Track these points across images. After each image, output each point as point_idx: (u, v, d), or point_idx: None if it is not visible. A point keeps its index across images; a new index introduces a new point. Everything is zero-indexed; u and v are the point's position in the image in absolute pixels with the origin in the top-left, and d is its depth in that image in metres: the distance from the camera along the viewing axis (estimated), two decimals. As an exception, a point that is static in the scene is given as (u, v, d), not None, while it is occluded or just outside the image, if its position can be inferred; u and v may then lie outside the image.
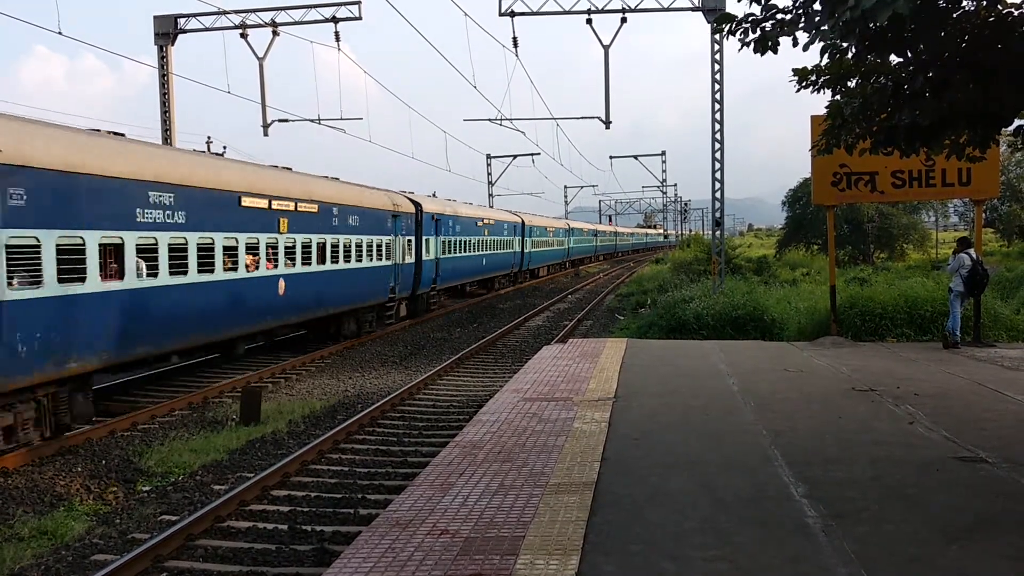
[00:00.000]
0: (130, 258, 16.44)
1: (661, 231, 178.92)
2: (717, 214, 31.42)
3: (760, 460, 10.45)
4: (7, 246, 13.48)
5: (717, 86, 30.38)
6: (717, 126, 30.51)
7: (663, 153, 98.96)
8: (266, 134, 36.16)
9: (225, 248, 19.71)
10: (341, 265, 26.71)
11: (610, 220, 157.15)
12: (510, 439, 11.72)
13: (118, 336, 16.09)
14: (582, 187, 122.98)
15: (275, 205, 22.18)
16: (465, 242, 42.34)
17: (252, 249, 21.08)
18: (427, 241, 35.54)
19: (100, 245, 15.62)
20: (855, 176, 22.25)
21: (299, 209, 23.53)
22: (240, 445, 15.55)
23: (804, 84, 10.55)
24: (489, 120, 47.86)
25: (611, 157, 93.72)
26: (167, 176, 17.68)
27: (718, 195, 30.92)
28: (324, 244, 25.44)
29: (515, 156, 79.58)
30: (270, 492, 12.74)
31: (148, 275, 17.04)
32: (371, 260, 29.33)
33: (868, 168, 22.00)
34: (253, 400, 17.12)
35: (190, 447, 15.44)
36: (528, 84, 41.19)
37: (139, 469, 14.19)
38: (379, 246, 30.09)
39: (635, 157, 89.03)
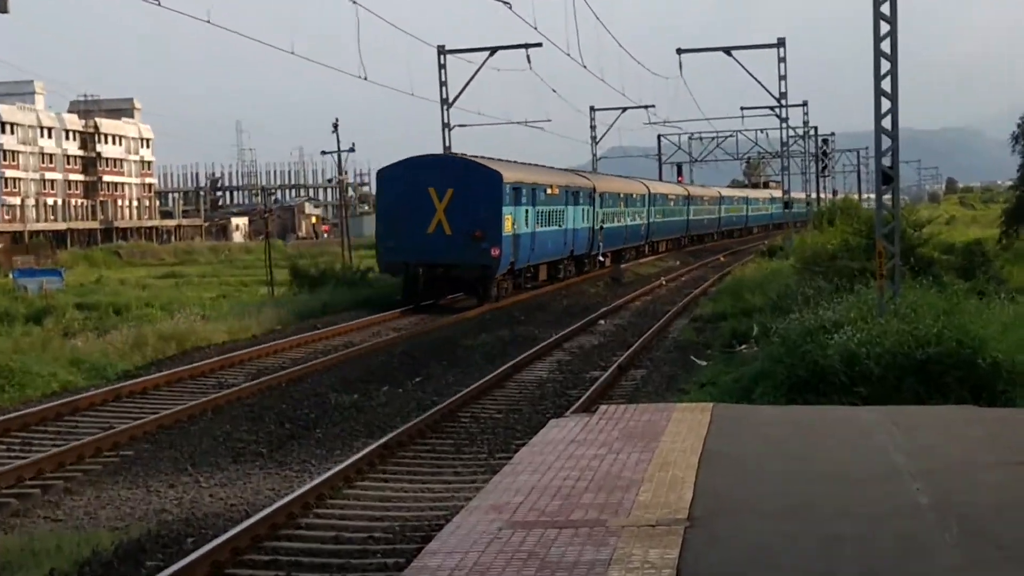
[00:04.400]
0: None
1: (775, 193, 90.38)
2: (885, 160, 17.92)
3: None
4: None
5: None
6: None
7: (780, 44, 51.41)
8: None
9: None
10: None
11: (678, 173, 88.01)
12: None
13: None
14: (624, 110, 64.25)
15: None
16: None
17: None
18: None
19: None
20: None
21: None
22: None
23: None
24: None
25: (679, 52, 49.03)
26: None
27: (887, 124, 17.76)
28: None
29: (494, 49, 43.59)
30: None
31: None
32: None
33: None
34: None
35: None
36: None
37: None
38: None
39: (726, 51, 49.00)
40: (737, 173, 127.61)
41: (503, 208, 33.12)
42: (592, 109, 65.34)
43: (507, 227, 33.27)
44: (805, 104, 68.88)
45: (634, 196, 55.40)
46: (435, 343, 25.27)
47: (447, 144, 43.87)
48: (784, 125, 58.14)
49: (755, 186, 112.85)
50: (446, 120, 43.99)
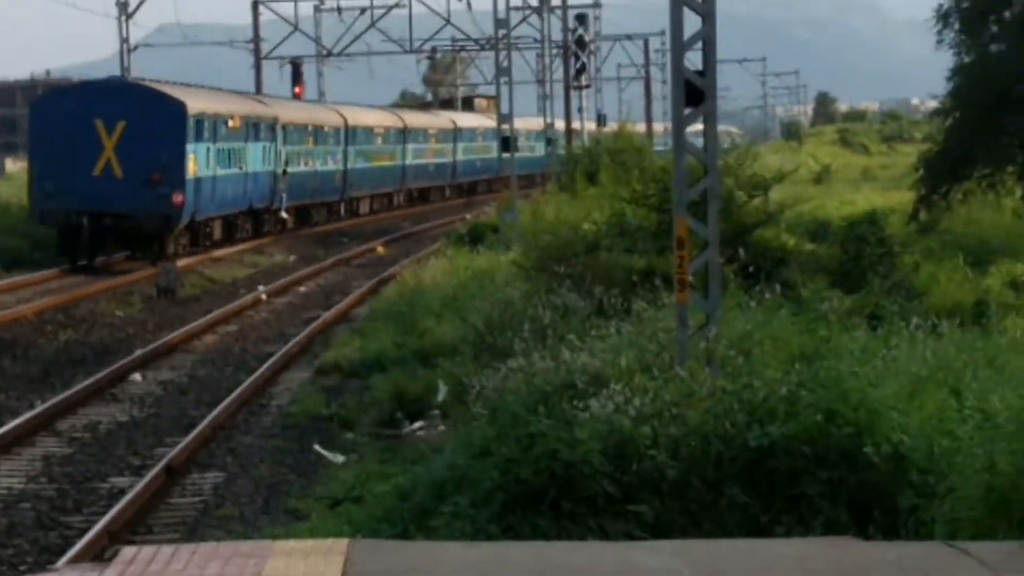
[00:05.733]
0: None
1: (483, 122, 58.66)
2: (692, 59, 10.25)
3: None
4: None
5: None
6: None
7: None
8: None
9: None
10: None
11: (295, 78, 51.04)
12: None
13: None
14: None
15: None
16: None
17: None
18: None
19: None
20: None
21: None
22: None
23: None
24: None
25: None
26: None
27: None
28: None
29: None
30: None
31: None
32: None
33: None
34: None
35: None
36: None
37: None
38: None
39: None
40: (412, 80, 77.02)
41: (187, 146, 29.18)
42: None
43: (191, 169, 29.22)
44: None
45: (326, 130, 43.04)
46: None
47: None
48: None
49: (445, 104, 68.04)
50: None
